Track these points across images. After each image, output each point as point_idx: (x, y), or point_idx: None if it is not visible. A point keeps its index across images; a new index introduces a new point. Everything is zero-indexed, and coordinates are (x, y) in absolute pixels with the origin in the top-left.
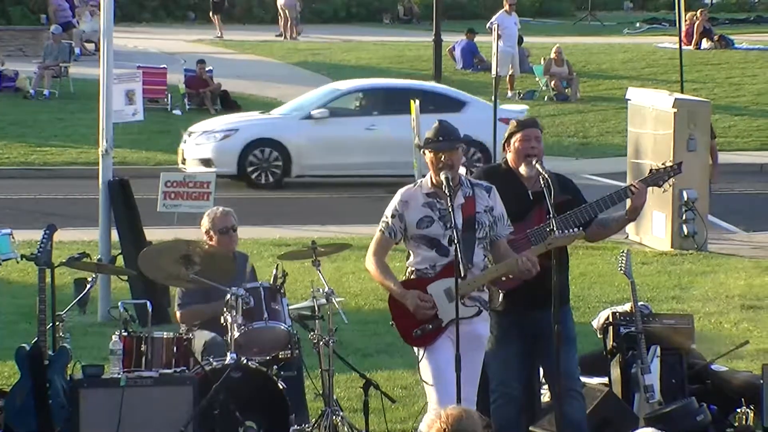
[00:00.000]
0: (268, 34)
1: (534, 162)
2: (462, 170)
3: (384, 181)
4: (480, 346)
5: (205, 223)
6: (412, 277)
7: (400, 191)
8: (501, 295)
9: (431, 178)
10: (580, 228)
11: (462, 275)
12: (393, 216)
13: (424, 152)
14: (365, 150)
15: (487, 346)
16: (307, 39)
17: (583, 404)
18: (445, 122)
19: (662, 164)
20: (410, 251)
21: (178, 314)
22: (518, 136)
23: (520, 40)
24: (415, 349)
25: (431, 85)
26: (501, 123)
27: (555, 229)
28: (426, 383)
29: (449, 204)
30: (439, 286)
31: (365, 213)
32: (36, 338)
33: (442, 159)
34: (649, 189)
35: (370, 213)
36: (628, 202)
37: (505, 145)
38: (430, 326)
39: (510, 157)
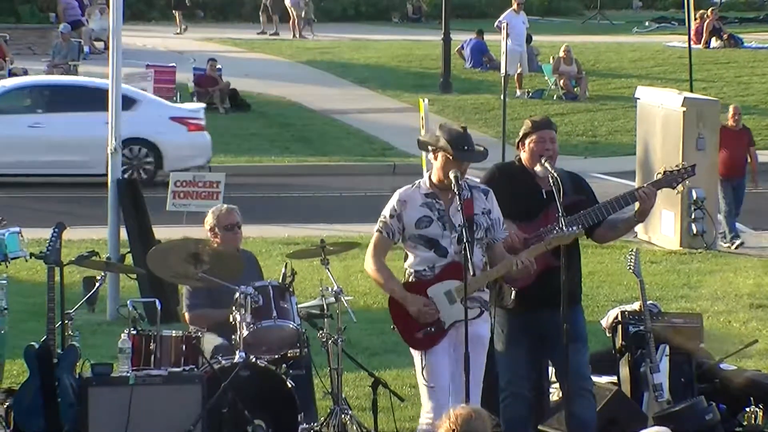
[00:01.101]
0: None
1: (543, 161)
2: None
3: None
4: (482, 347)
5: (210, 220)
6: (411, 279)
7: (398, 191)
8: (513, 293)
9: (430, 178)
10: (580, 227)
11: (473, 273)
12: (391, 216)
13: (435, 150)
14: (29, 149)
15: (497, 345)
16: (315, 38)
17: (593, 403)
18: (467, 130)
19: (675, 166)
20: (408, 252)
21: (186, 316)
22: (533, 137)
23: (529, 39)
24: (414, 352)
25: (100, 81)
26: (173, 122)
27: (563, 228)
28: (422, 387)
29: (459, 202)
30: (440, 289)
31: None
32: (45, 336)
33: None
34: None
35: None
36: (637, 204)
37: (519, 144)
38: (432, 329)
39: (524, 156)
